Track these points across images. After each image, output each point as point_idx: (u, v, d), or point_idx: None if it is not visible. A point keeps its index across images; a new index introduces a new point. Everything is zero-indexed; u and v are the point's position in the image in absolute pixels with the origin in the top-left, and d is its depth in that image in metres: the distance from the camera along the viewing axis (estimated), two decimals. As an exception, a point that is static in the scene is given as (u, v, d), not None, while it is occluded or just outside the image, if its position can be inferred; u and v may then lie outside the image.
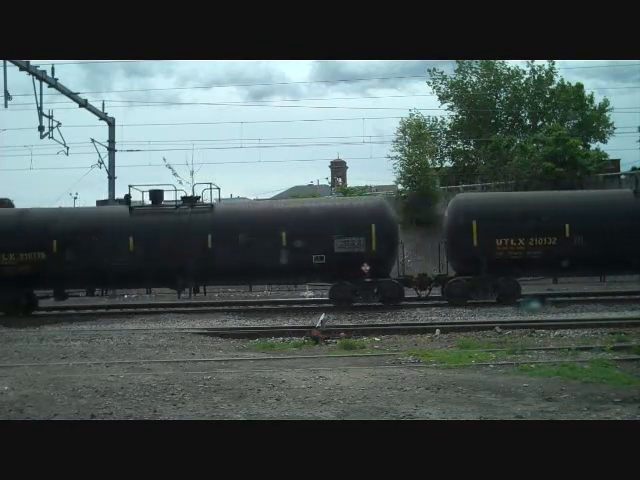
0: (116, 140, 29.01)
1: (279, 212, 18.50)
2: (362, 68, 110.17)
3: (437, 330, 12.68)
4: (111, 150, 28.78)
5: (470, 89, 41.21)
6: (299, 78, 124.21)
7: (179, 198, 18.76)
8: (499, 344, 10.93)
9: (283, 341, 12.55)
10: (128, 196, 18.85)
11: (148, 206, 19.01)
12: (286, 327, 14.21)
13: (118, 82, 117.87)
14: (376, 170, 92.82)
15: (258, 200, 35.05)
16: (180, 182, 34.17)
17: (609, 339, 11.01)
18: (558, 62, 39.66)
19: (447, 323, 14.18)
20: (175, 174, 29.82)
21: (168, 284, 18.46)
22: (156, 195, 18.70)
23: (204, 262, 17.20)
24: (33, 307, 18.75)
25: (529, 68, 40.23)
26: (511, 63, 40.87)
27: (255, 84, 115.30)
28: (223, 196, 22.76)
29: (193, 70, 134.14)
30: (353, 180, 63.30)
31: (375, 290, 17.39)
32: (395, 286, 17.61)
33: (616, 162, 36.51)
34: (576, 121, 39.39)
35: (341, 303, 17.38)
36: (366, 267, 17.02)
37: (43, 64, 24.12)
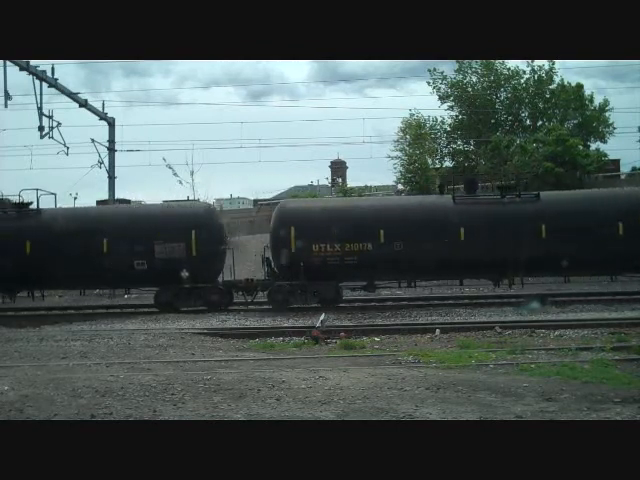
0: (116, 140, 29.03)
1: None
2: (361, 68, 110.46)
3: (437, 330, 12.67)
4: (111, 150, 28.79)
5: (470, 89, 41.20)
6: (298, 78, 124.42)
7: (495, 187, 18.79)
8: (499, 344, 10.93)
9: (283, 341, 12.54)
10: (442, 186, 19.18)
11: (471, 196, 18.57)
12: (286, 327, 14.19)
13: (117, 82, 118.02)
14: (376, 170, 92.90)
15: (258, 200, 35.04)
16: (180, 182, 34.19)
17: (609, 339, 11.01)
18: (557, 62, 39.69)
19: (447, 323, 14.17)
20: (175, 174, 29.89)
21: (490, 275, 18.12)
22: (471, 184, 18.86)
23: (535, 252, 16.52)
24: (338, 300, 18.11)
25: (529, 68, 40.25)
26: (511, 63, 40.89)
27: (254, 84, 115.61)
28: (222, 196, 22.71)
29: (192, 70, 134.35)
30: (353, 180, 63.31)
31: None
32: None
33: (616, 162, 36.56)
34: (576, 121, 39.39)
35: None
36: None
37: (43, 64, 24.17)
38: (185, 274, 17.10)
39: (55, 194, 19.52)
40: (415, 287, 18.87)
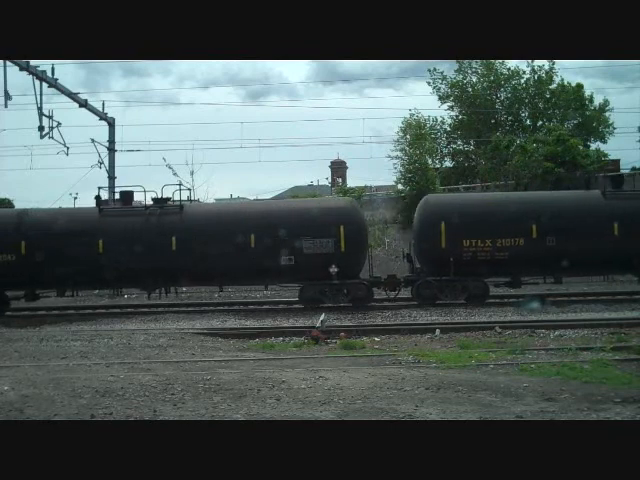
0: (116, 140, 29.04)
1: None
2: (359, 68, 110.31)
3: (437, 330, 12.67)
4: (111, 150, 28.80)
5: (470, 89, 41.21)
6: (296, 78, 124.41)
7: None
8: (499, 344, 10.93)
9: (283, 341, 12.54)
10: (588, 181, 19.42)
11: (621, 191, 18.56)
12: (286, 327, 14.19)
13: (116, 82, 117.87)
14: (376, 170, 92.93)
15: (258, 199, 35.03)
16: (180, 182, 34.18)
17: (609, 339, 11.01)
18: (556, 62, 39.70)
19: (447, 323, 14.17)
20: (175, 174, 29.89)
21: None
22: (618, 180, 18.96)
23: None
24: (486, 296, 17.84)
25: (529, 68, 40.25)
26: (511, 63, 40.90)
27: (253, 84, 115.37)
28: (222, 196, 22.76)
29: (190, 70, 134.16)
30: (353, 180, 63.34)
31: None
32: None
33: (616, 162, 36.53)
34: (576, 121, 39.40)
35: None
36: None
37: (43, 64, 24.18)
38: (334, 270, 16.87)
39: (191, 189, 19.35)
40: (561, 283, 18.50)
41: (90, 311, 19.18)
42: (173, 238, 17.17)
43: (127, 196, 18.86)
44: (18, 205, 32.82)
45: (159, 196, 18.32)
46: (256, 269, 17.18)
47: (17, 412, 6.23)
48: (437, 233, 17.10)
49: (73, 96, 26.56)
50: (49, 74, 24.27)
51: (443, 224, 17.10)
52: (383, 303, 18.04)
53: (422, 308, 16.80)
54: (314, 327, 13.07)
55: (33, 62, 23.41)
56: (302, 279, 17.66)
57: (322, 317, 13.94)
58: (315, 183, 61.41)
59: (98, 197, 18.65)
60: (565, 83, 39.95)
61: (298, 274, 17.43)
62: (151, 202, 18.26)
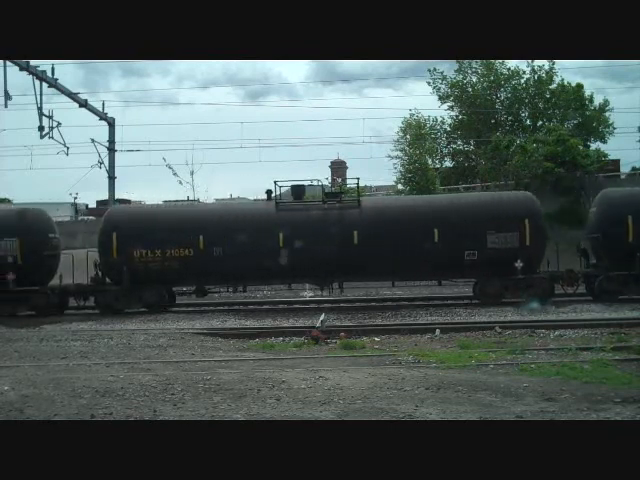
0: (116, 140, 29.02)
1: None
2: (358, 68, 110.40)
3: (437, 330, 12.67)
4: (111, 150, 28.78)
5: (470, 89, 41.18)
6: (296, 78, 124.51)
7: None
8: (499, 344, 10.93)
9: (283, 341, 12.54)
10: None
11: None
12: (286, 327, 14.19)
13: (115, 82, 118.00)
14: (376, 170, 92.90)
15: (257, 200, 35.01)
16: (180, 182, 34.23)
17: (609, 339, 11.01)
18: (556, 62, 39.67)
19: (447, 323, 14.17)
20: (175, 174, 29.91)
21: None
22: None
23: None
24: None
25: (529, 68, 40.21)
26: (511, 63, 40.87)
27: (252, 84, 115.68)
28: (222, 196, 22.78)
29: (189, 70, 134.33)
30: (353, 180, 63.20)
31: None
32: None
33: (616, 162, 36.55)
34: (576, 121, 39.37)
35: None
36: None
37: (43, 64, 24.14)
38: (520, 264, 16.60)
39: (359, 177, 19.52)
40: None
41: (90, 311, 19.17)
42: (355, 232, 17.04)
43: (299, 190, 18.79)
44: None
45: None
46: (438, 264, 16.99)
47: (17, 412, 6.24)
48: (624, 227, 16.72)
49: (73, 96, 26.53)
50: (49, 74, 24.23)
51: (630, 218, 16.79)
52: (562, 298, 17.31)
53: (422, 308, 16.81)
54: (314, 327, 13.07)
55: (33, 62, 23.39)
56: (484, 274, 17.29)
57: (322, 317, 13.94)
58: (315, 183, 61.29)
59: (269, 192, 18.64)
60: (565, 83, 39.93)
61: (480, 269, 17.12)
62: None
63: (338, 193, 18.86)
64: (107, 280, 18.12)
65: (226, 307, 18.87)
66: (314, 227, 17.37)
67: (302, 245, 17.11)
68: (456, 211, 17.58)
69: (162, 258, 17.23)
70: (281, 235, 17.09)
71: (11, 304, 17.52)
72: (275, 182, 18.22)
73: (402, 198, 22.21)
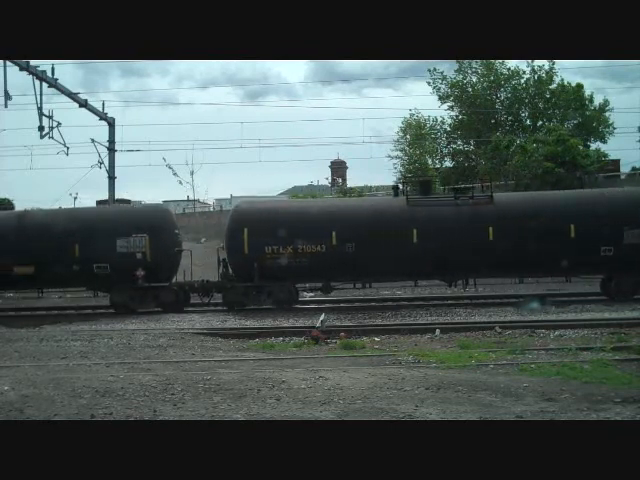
0: (116, 140, 29.02)
1: None
2: (357, 68, 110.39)
3: (437, 330, 12.67)
4: (111, 150, 28.78)
5: (470, 89, 41.21)
6: (295, 78, 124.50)
7: None
8: (499, 344, 10.92)
9: (283, 341, 12.53)
10: None
11: None
12: (286, 327, 14.18)
13: (114, 82, 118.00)
14: (376, 170, 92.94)
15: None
16: (180, 182, 34.23)
17: (609, 339, 11.00)
18: (556, 62, 39.70)
19: (447, 323, 14.17)
20: (175, 174, 29.91)
21: None
22: None
23: None
24: None
25: (529, 68, 40.26)
26: (511, 63, 40.90)
27: (251, 84, 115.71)
28: (221, 196, 22.79)
29: (189, 70, 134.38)
30: (353, 180, 63.34)
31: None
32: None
33: (616, 162, 36.56)
34: (576, 121, 39.40)
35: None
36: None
37: (43, 64, 24.15)
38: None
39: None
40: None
41: (90, 311, 19.17)
42: (490, 228, 16.90)
43: (426, 186, 18.76)
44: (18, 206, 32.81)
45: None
46: (573, 260, 16.80)
47: (17, 412, 6.23)
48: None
49: (73, 96, 26.53)
50: (49, 74, 24.24)
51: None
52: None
53: (422, 308, 16.81)
54: (314, 327, 13.06)
55: (33, 62, 23.41)
56: (619, 270, 17.04)
57: (322, 317, 13.93)
58: (315, 183, 61.47)
59: (396, 187, 18.56)
60: (565, 83, 39.96)
61: (616, 265, 16.89)
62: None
63: (469, 188, 18.53)
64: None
65: (226, 307, 18.85)
66: (447, 223, 17.14)
67: (434, 241, 16.86)
68: (595, 206, 17.27)
69: (293, 254, 17.12)
70: (415, 231, 16.90)
71: (140, 300, 17.67)
72: (404, 177, 18.14)
73: (533, 193, 22.08)
